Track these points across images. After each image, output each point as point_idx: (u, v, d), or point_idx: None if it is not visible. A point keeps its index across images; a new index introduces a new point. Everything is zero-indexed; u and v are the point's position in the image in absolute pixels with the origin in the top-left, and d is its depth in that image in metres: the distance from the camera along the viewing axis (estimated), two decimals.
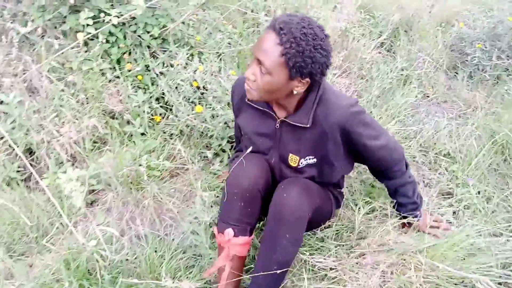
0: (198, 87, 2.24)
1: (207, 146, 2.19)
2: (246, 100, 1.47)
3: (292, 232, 1.33)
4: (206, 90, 2.24)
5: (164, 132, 2.16)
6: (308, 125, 1.37)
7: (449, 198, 1.93)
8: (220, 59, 2.42)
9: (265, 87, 1.27)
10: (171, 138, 2.12)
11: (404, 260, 1.48)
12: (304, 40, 1.17)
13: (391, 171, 1.56)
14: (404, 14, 3.01)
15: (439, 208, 1.85)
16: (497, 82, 2.77)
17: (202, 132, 2.17)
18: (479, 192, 1.91)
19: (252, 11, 3.12)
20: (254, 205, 1.42)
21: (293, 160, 1.47)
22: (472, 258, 1.48)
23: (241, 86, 1.45)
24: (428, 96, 2.75)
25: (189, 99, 2.19)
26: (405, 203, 1.62)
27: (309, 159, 1.46)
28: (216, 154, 2.14)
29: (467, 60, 2.91)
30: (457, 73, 2.93)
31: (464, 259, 1.48)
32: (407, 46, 2.91)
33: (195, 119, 2.10)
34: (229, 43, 2.52)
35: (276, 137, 1.47)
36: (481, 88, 2.75)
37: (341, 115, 1.34)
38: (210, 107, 2.13)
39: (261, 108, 1.46)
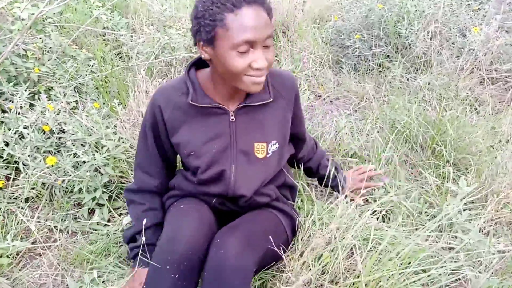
0: (52, 132, 1.75)
1: (78, 204, 1.71)
2: (189, 101, 1.18)
3: None
4: (64, 132, 1.76)
5: (14, 199, 1.63)
6: (271, 99, 1.23)
7: (368, 203, 1.73)
8: (76, 91, 1.95)
9: (272, 57, 1.11)
10: (21, 208, 1.60)
11: None
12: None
13: (310, 144, 1.58)
14: (278, 15, 2.84)
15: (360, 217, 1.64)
16: (381, 70, 2.74)
17: (66, 188, 1.68)
18: (397, 189, 1.74)
19: (114, 31, 2.68)
20: (191, 278, 1.10)
21: (260, 149, 1.26)
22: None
23: (168, 95, 1.22)
24: (320, 96, 2.60)
25: (40, 149, 1.69)
26: (328, 173, 1.60)
27: (274, 144, 1.28)
28: (91, 211, 1.68)
29: (348, 53, 2.84)
30: (342, 68, 2.85)
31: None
32: (288, 47, 2.74)
33: (51, 174, 1.61)
34: (87, 72, 2.06)
35: (232, 133, 1.23)
36: (369, 79, 2.69)
37: (291, 79, 1.30)
38: (71, 155, 1.66)
39: (209, 105, 1.20)
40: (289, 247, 1.38)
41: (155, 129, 1.27)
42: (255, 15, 1.01)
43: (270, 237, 1.17)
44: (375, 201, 1.71)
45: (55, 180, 1.59)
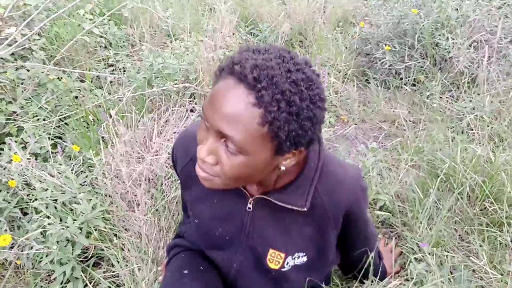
0: (19, 188, 1.47)
1: (47, 277, 1.43)
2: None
3: None
4: (34, 189, 1.48)
5: None
6: (304, 209, 0.87)
7: (399, 279, 1.39)
8: (54, 134, 1.66)
9: (236, 172, 0.75)
10: None
11: None
12: (296, 94, 0.68)
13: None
14: (295, 23, 2.46)
15: None
16: (415, 87, 2.34)
17: (35, 260, 1.41)
18: (441, 263, 1.39)
19: (106, 47, 2.37)
20: None
21: (275, 259, 0.96)
22: None
23: (187, 145, 0.99)
24: (343, 119, 2.23)
25: (0, 211, 1.42)
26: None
27: (298, 257, 0.98)
28: (64, 285, 1.40)
29: (376, 65, 2.44)
30: (368, 82, 2.46)
31: None
32: None
33: (12, 247, 1.33)
34: (68, 106, 1.77)
35: (245, 223, 0.96)
36: (401, 97, 2.30)
37: (351, 192, 0.93)
38: (37, 221, 1.38)
39: None
40: None
41: (176, 173, 1.11)
42: (225, 90, 0.70)
43: None
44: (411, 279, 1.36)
45: (16, 258, 1.31)
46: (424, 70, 2.33)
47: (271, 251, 0.96)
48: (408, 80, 2.32)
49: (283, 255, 0.96)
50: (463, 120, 1.98)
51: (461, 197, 1.59)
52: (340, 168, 0.93)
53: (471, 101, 2.06)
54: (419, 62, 2.32)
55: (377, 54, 2.41)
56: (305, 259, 0.98)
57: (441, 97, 2.18)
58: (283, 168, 0.79)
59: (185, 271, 1.05)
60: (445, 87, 2.24)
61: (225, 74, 0.71)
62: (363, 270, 1.16)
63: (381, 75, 2.43)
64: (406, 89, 2.30)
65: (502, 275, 1.33)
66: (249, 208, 0.94)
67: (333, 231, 0.95)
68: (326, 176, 0.89)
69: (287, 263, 0.97)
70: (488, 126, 1.89)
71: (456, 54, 2.19)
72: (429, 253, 1.40)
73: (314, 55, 2.36)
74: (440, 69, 2.30)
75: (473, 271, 1.40)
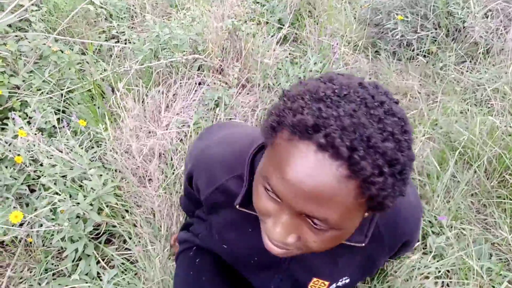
0: (25, 165, 1.42)
1: (59, 255, 1.40)
2: (237, 206, 0.79)
3: None
4: (41, 165, 1.43)
5: None
6: (363, 244, 0.77)
7: (418, 253, 1.37)
8: (59, 108, 1.60)
9: (327, 246, 0.62)
10: None
11: None
12: (396, 148, 0.53)
13: None
14: None
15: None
16: (428, 58, 2.27)
17: (45, 238, 1.37)
18: (458, 236, 1.36)
19: (107, 18, 2.28)
20: None
21: (318, 285, 0.88)
22: None
23: (214, 174, 0.84)
24: None
25: (10, 189, 1.37)
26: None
27: (342, 280, 0.89)
28: (76, 263, 1.37)
29: (388, 36, 2.37)
30: (379, 53, 2.39)
31: None
32: (316, 33, 2.29)
33: (22, 224, 1.29)
34: (72, 79, 1.70)
35: (285, 260, 0.87)
36: (412, 69, 2.23)
37: (413, 223, 0.85)
38: (46, 197, 1.34)
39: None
40: None
41: (191, 192, 0.99)
42: (311, 166, 0.53)
43: None
44: (430, 252, 1.34)
45: (26, 236, 1.28)
46: (436, 40, 2.26)
47: (314, 279, 0.88)
48: (421, 51, 2.26)
49: (327, 283, 0.88)
50: (478, 91, 1.93)
51: (479, 170, 1.55)
52: (404, 202, 0.81)
53: (486, 72, 2.00)
54: (432, 33, 2.24)
55: (388, 25, 2.32)
56: (347, 281, 0.90)
57: (455, 68, 2.12)
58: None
59: (204, 278, 0.99)
60: (459, 58, 2.18)
61: (293, 135, 0.54)
62: None
63: (391, 46, 2.35)
64: (418, 61, 2.24)
65: None
66: None
67: (386, 257, 0.88)
68: (387, 215, 0.79)
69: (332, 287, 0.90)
70: (503, 97, 1.84)
71: (471, 24, 2.11)
72: (447, 226, 1.37)
73: (323, 25, 2.28)
74: (453, 39, 2.23)
75: (492, 244, 1.38)
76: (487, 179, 1.57)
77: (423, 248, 1.40)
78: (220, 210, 0.88)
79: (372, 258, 0.86)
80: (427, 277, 1.29)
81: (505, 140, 1.57)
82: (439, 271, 1.28)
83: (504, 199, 1.48)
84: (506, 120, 1.63)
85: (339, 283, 0.90)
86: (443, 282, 1.26)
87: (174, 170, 1.53)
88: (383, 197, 0.53)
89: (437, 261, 1.29)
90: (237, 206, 0.78)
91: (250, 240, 0.84)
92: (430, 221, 1.46)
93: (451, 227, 1.41)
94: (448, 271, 1.28)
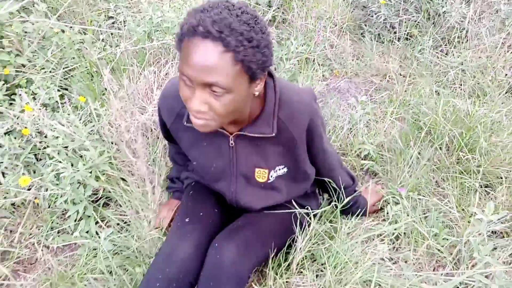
0: (31, 136, 1.60)
1: (64, 214, 1.60)
2: (185, 123, 1.12)
3: None
4: (46, 137, 1.61)
5: None
6: (272, 134, 1.10)
7: (377, 220, 1.55)
8: (61, 85, 1.77)
9: (228, 109, 0.93)
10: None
11: None
12: (252, 31, 0.86)
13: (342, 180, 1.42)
14: None
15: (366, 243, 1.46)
16: (408, 41, 2.39)
17: (50, 200, 1.56)
18: (415, 208, 1.54)
19: None
20: None
21: (261, 174, 1.23)
22: None
23: (172, 105, 1.17)
24: (336, 74, 2.31)
25: (17, 157, 1.56)
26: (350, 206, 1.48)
27: (280, 169, 1.23)
28: (78, 223, 1.57)
29: (372, 19, 2.49)
30: (363, 36, 2.51)
31: None
32: (303, 15, 2.41)
33: (30, 188, 1.48)
34: (72, 59, 1.85)
35: (232, 157, 1.20)
36: (393, 52, 2.37)
37: (306, 113, 1.13)
38: (50, 165, 1.52)
39: None
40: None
41: (166, 129, 1.28)
42: (196, 49, 0.84)
43: (273, 242, 1.24)
44: (386, 219, 1.52)
45: (34, 198, 1.47)
46: (418, 24, 2.38)
47: (256, 169, 1.21)
48: (402, 34, 2.38)
49: (266, 170, 1.21)
50: (449, 74, 2.07)
51: (440, 148, 1.72)
52: (295, 95, 1.13)
53: (459, 56, 2.14)
54: (413, 16, 2.36)
55: (373, 8, 2.44)
56: (285, 170, 1.23)
57: (431, 52, 2.25)
58: (257, 93, 0.98)
59: (187, 219, 1.25)
60: (436, 42, 2.30)
61: (188, 37, 0.85)
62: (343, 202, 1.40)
63: (376, 29, 2.48)
64: (399, 44, 2.36)
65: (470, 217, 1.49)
66: (232, 144, 1.15)
67: (301, 147, 1.18)
68: (284, 105, 1.10)
69: (272, 176, 1.23)
70: (472, 80, 1.98)
71: (448, 9, 2.23)
72: (405, 197, 1.55)
73: (310, 8, 2.40)
74: (433, 23, 2.35)
75: (444, 213, 1.56)
76: (448, 156, 1.73)
77: (383, 216, 1.58)
78: (182, 137, 1.22)
79: (291, 148, 1.17)
80: (382, 240, 1.48)
81: (465, 122, 1.73)
82: (394, 234, 1.47)
83: (459, 174, 1.65)
84: (466, 103, 1.78)
85: (278, 171, 1.22)
86: (394, 244, 1.45)
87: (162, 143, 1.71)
88: (249, 62, 0.85)
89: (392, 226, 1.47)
90: (185, 123, 1.10)
91: (206, 152, 1.20)
92: (393, 194, 1.64)
93: (409, 198, 1.59)
94: (399, 234, 1.47)
